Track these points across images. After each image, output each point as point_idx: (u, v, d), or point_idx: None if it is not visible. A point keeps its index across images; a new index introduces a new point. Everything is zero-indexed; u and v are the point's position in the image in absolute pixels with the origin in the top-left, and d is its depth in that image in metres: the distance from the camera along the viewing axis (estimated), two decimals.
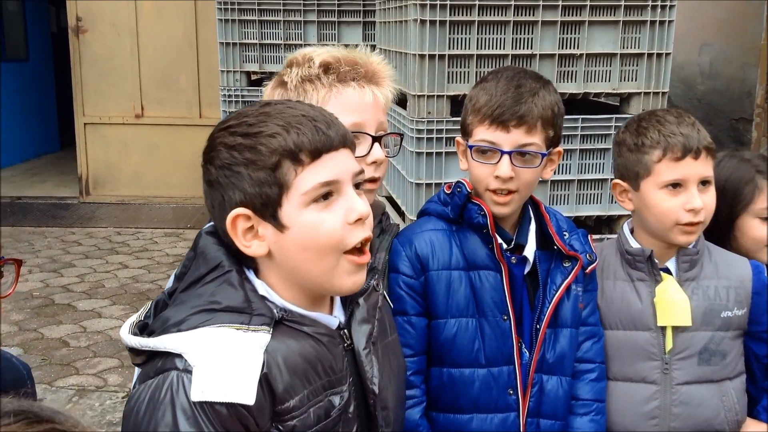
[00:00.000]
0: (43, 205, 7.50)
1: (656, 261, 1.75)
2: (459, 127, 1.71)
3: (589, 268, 1.69)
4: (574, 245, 1.68)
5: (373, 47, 3.60)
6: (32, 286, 5.21)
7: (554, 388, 1.67)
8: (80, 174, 7.68)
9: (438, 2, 2.63)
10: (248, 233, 1.11)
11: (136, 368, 1.14)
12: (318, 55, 1.49)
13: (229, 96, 4.70)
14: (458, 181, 1.64)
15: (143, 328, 1.10)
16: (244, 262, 1.15)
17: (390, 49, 3.19)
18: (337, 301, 1.22)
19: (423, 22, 2.65)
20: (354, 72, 1.47)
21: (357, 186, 1.15)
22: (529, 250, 1.66)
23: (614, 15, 2.81)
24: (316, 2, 4.15)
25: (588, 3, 2.76)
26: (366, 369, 1.17)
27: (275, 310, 1.10)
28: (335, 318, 1.19)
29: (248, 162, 1.08)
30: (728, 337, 1.76)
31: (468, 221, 1.63)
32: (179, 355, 1.02)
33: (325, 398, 1.10)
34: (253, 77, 4.81)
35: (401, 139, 1.61)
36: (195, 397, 0.99)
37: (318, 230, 1.09)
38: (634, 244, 1.78)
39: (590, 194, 2.98)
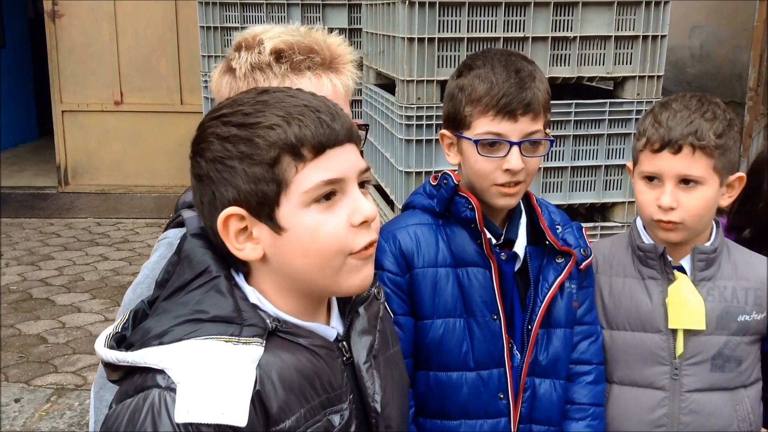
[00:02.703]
0: (21, 195, 7.33)
1: (670, 258, 1.64)
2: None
3: (584, 264, 1.59)
4: (568, 239, 1.58)
5: (359, 30, 3.49)
6: (9, 279, 5.08)
7: (547, 392, 1.58)
8: (58, 163, 7.51)
9: None
10: (241, 235, 1.01)
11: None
12: (269, 39, 1.34)
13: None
14: (444, 173, 1.54)
15: (121, 341, 1.00)
16: (235, 265, 1.05)
17: (377, 32, 3.08)
18: (335, 310, 1.13)
19: (412, 3, 2.54)
20: (309, 60, 1.34)
21: (362, 185, 1.04)
22: (520, 246, 1.56)
23: None
24: None
25: None
26: (367, 385, 1.08)
27: (268, 321, 1.00)
28: (333, 329, 1.09)
29: (243, 156, 0.98)
30: (744, 342, 1.65)
31: (455, 215, 1.53)
32: (161, 371, 0.92)
33: (324, 417, 1.01)
34: None
35: (366, 131, 1.50)
36: (179, 418, 0.89)
37: (319, 233, 0.99)
38: (647, 240, 1.67)
39: (584, 181, 2.89)
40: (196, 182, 1.04)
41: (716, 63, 4.98)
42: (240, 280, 1.05)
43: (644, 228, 1.70)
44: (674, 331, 1.64)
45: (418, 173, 2.68)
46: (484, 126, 1.48)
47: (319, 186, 0.99)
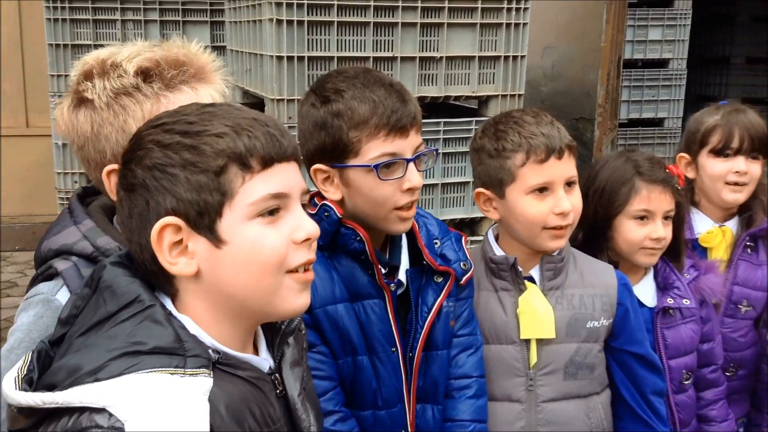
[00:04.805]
0: None
1: (520, 269, 1.67)
2: None
3: (464, 278, 1.56)
4: (447, 254, 1.54)
5: (223, 48, 3.39)
6: None
7: (430, 419, 1.54)
8: None
9: (295, 1, 2.48)
10: (175, 248, 0.96)
11: None
12: (128, 60, 1.23)
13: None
14: (324, 205, 1.43)
15: (30, 384, 0.90)
16: (161, 288, 0.99)
17: (243, 50, 3.00)
18: (263, 343, 1.07)
19: (279, 21, 2.49)
20: (182, 74, 1.25)
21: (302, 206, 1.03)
22: (403, 270, 1.51)
23: (472, 17, 2.79)
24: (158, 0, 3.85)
25: (446, 5, 2.72)
26: (302, 418, 1.05)
27: (210, 351, 0.94)
28: (265, 361, 1.05)
29: (187, 163, 0.94)
30: (596, 349, 1.70)
31: (343, 248, 1.44)
32: (101, 411, 0.83)
33: None
34: None
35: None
36: None
37: (260, 246, 0.96)
38: (498, 252, 1.70)
39: (454, 197, 2.95)
40: (125, 194, 0.98)
41: (567, 81, 5.27)
42: (172, 308, 0.98)
43: (496, 240, 1.73)
44: (528, 342, 1.66)
45: None
46: (377, 148, 1.40)
47: (265, 198, 0.96)
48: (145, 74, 1.24)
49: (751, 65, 8.21)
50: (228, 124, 0.96)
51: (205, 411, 0.87)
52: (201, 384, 0.89)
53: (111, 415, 0.83)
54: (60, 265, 1.21)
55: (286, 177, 0.99)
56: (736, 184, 2.08)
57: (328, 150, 1.43)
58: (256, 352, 1.07)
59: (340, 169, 1.43)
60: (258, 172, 0.96)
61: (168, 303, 1.00)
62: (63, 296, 1.19)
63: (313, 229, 1.00)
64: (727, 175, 2.08)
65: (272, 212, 0.97)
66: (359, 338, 1.45)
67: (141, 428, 0.83)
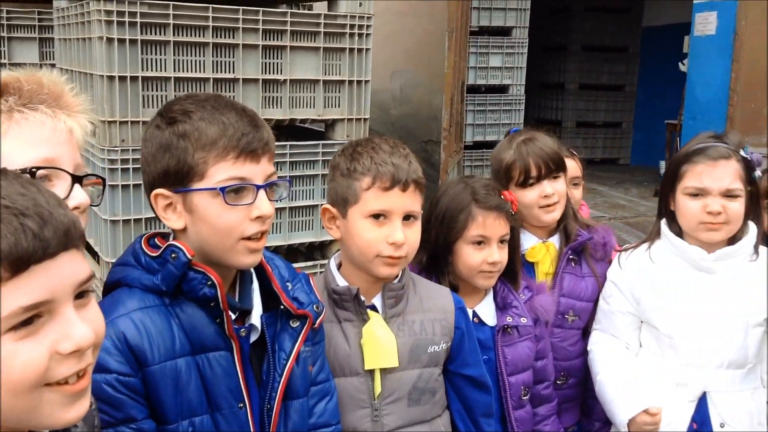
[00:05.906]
0: None
1: (363, 299, 1.66)
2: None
3: (318, 321, 1.50)
4: (300, 297, 1.48)
5: (53, 66, 3.17)
6: None
7: None
8: None
9: (127, 19, 2.36)
10: None
11: None
12: None
13: None
14: (171, 245, 1.32)
15: None
16: None
17: (73, 69, 2.82)
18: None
19: (110, 40, 2.35)
20: (42, 93, 1.16)
21: (81, 295, 0.85)
22: (256, 315, 1.41)
23: (315, 41, 2.79)
24: None
25: (288, 28, 2.70)
26: None
27: None
28: None
29: None
30: (437, 373, 1.73)
31: (189, 293, 1.32)
32: None
33: None
34: None
35: (104, 187, 1.34)
36: None
37: (10, 366, 0.78)
38: (341, 282, 1.69)
39: (302, 221, 2.92)
40: None
41: (415, 105, 5.41)
42: None
43: (338, 269, 1.72)
44: (372, 372, 1.65)
45: (126, 221, 2.48)
46: (224, 171, 1.30)
47: (16, 314, 0.78)
48: (2, 88, 1.16)
49: (583, 90, 8.85)
50: None
51: None
52: None
53: None
54: None
55: (49, 279, 0.80)
56: (547, 206, 2.20)
57: (172, 173, 1.32)
58: None
59: (184, 194, 1.32)
60: (6, 280, 0.77)
61: None
62: None
63: (83, 338, 0.82)
64: (538, 200, 2.19)
65: (29, 321, 0.79)
66: (200, 396, 1.32)
67: None
